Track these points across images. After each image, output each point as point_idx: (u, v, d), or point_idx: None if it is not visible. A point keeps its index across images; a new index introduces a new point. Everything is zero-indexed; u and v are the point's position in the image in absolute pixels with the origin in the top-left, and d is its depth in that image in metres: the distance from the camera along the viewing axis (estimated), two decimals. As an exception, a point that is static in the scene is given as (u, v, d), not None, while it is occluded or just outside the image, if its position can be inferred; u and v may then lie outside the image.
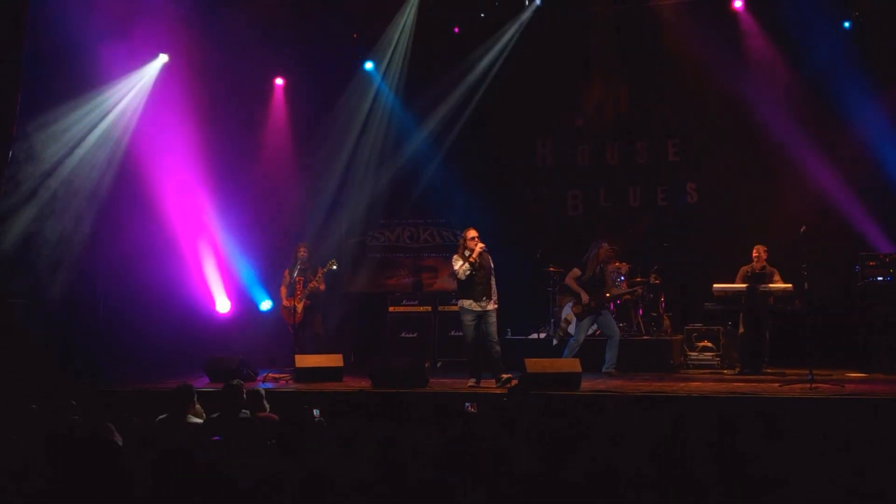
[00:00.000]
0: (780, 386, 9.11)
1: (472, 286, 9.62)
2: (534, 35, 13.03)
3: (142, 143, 12.18)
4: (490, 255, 9.76)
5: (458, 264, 9.63)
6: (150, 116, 12.20)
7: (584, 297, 10.72)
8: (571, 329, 11.19)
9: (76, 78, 11.08)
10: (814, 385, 8.79)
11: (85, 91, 11.35)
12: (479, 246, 9.60)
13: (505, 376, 9.41)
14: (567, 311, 11.65)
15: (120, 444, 5.22)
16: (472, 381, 9.59)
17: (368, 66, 13.69)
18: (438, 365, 12.38)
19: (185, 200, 12.62)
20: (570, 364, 9.26)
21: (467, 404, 8.35)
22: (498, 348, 9.64)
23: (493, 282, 9.72)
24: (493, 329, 9.65)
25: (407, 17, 13.08)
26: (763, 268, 10.68)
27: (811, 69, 11.82)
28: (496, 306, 9.74)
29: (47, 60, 10.42)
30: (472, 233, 9.69)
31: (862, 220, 11.47)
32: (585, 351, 10.59)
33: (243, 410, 6.78)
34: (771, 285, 10.52)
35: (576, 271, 10.90)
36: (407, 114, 13.55)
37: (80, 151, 11.42)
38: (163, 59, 12.34)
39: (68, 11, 10.48)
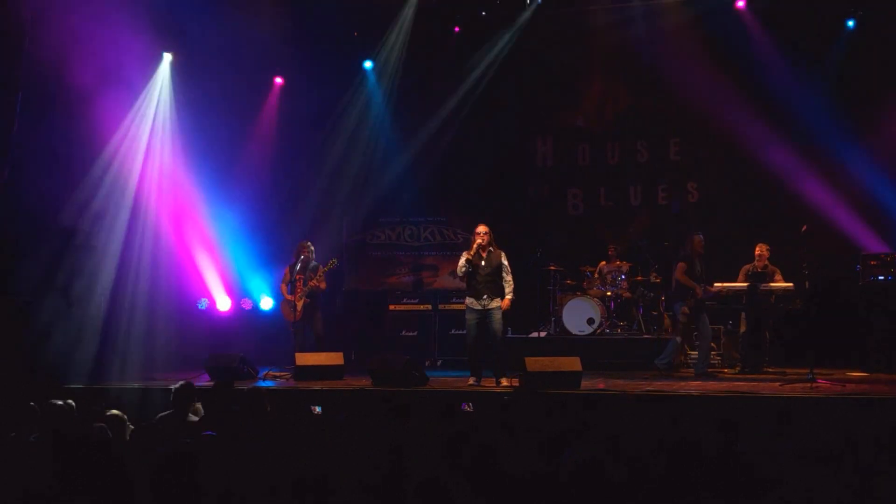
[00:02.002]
0: (780, 385, 9.09)
1: (473, 284, 9.52)
2: (534, 34, 13.02)
3: (142, 141, 12.22)
4: (503, 253, 9.67)
5: (461, 261, 9.58)
6: (149, 115, 12.26)
7: (699, 291, 10.32)
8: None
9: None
10: (814, 384, 8.78)
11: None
12: (479, 241, 9.48)
13: (504, 381, 9.35)
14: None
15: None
16: (472, 380, 9.55)
17: (368, 64, 13.71)
18: (439, 363, 12.39)
19: (185, 198, 12.63)
20: (570, 363, 9.23)
21: (464, 404, 8.34)
22: (501, 348, 9.58)
23: (504, 280, 9.49)
24: (497, 328, 9.49)
25: (407, 15, 13.07)
26: (765, 266, 10.66)
27: (814, 67, 11.82)
28: (508, 305, 9.50)
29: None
30: (479, 228, 9.52)
31: (863, 219, 11.46)
32: (585, 349, 10.56)
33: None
34: (772, 284, 10.50)
35: (682, 265, 10.43)
36: (407, 112, 13.53)
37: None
38: (168, 58, 12.41)
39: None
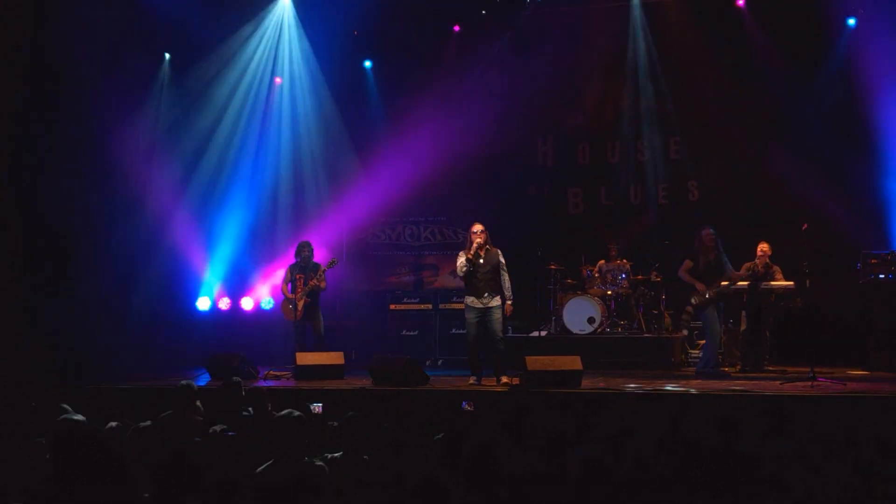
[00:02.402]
0: (781, 384, 9.08)
1: (473, 282, 9.49)
2: (534, 33, 13.02)
3: (143, 140, 12.25)
4: (499, 251, 9.66)
5: (460, 260, 9.57)
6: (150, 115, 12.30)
7: (700, 287, 10.19)
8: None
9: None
10: (815, 383, 8.78)
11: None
12: (478, 240, 9.49)
13: (505, 379, 9.33)
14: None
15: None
16: (472, 380, 9.53)
17: (367, 64, 13.72)
18: (439, 363, 12.39)
19: (185, 198, 12.66)
20: (570, 362, 9.23)
21: (464, 403, 8.34)
22: (501, 346, 9.53)
23: (502, 278, 9.48)
24: (497, 327, 9.46)
25: (407, 14, 13.06)
26: (766, 265, 10.64)
27: (814, 66, 11.82)
28: (509, 304, 9.47)
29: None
30: (475, 227, 9.48)
31: (863, 218, 11.45)
32: (586, 348, 10.56)
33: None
34: (773, 283, 10.49)
35: (688, 263, 10.33)
36: (407, 111, 13.52)
37: None
38: (168, 58, 12.46)
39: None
